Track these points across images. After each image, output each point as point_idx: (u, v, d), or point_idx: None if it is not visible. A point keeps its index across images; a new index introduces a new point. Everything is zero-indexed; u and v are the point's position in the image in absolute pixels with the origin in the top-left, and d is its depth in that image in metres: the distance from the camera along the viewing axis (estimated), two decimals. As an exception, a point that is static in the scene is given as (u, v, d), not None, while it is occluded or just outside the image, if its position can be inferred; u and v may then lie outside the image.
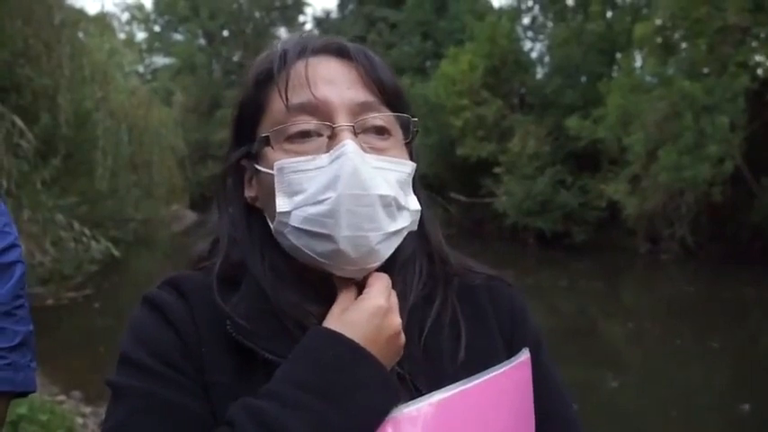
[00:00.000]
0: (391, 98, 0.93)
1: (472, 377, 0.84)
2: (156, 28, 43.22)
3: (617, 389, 7.44)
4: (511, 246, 20.13)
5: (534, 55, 25.06)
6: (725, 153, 15.41)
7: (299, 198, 0.86)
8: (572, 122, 19.18)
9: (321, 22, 40.84)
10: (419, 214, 0.93)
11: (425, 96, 22.81)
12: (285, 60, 0.91)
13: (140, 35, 42.07)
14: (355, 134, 0.87)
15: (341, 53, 0.93)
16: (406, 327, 0.87)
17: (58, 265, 10.92)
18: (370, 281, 0.87)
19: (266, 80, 0.92)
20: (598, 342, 9.91)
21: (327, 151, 0.86)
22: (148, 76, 36.28)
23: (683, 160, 15.55)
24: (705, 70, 16.64)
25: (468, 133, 22.15)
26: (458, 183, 22.81)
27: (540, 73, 24.06)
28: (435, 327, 0.92)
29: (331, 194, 0.83)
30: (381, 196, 0.84)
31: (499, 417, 0.85)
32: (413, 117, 0.96)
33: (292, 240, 0.87)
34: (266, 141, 0.90)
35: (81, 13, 14.60)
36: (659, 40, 17.77)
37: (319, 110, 0.88)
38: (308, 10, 57.41)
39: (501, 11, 25.02)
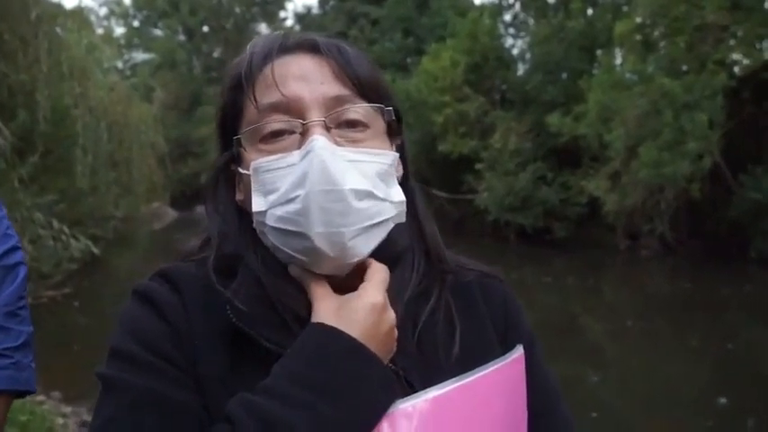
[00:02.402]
0: (368, 90, 0.91)
1: (467, 373, 0.84)
2: (135, 23, 42.89)
3: (597, 384, 7.51)
4: (492, 242, 20.23)
5: (515, 52, 25.23)
6: (703, 150, 15.59)
7: (272, 197, 0.85)
8: (553, 119, 19.30)
9: (302, 17, 40.78)
10: (404, 205, 0.91)
11: (407, 92, 22.82)
12: (252, 64, 0.91)
13: (119, 30, 41.83)
14: (327, 129, 0.86)
15: (313, 49, 0.91)
16: (401, 322, 0.87)
17: (37, 264, 10.77)
18: (368, 275, 0.86)
19: (238, 85, 0.92)
20: (578, 338, 9.98)
21: (300, 148, 0.85)
22: (128, 72, 36.00)
23: (662, 157, 15.70)
24: (684, 68, 16.81)
25: (450, 129, 22.20)
26: (439, 179, 22.85)
27: (521, 70, 24.16)
28: (430, 322, 0.92)
29: (300, 192, 0.82)
30: (353, 190, 0.82)
31: (493, 412, 0.85)
32: (395, 107, 0.95)
33: (271, 239, 0.87)
34: (240, 143, 0.90)
35: (58, 7, 14.38)
36: (639, 37, 17.93)
37: (291, 107, 0.87)
38: (289, 6, 57.32)
39: (482, 7, 25.09)
